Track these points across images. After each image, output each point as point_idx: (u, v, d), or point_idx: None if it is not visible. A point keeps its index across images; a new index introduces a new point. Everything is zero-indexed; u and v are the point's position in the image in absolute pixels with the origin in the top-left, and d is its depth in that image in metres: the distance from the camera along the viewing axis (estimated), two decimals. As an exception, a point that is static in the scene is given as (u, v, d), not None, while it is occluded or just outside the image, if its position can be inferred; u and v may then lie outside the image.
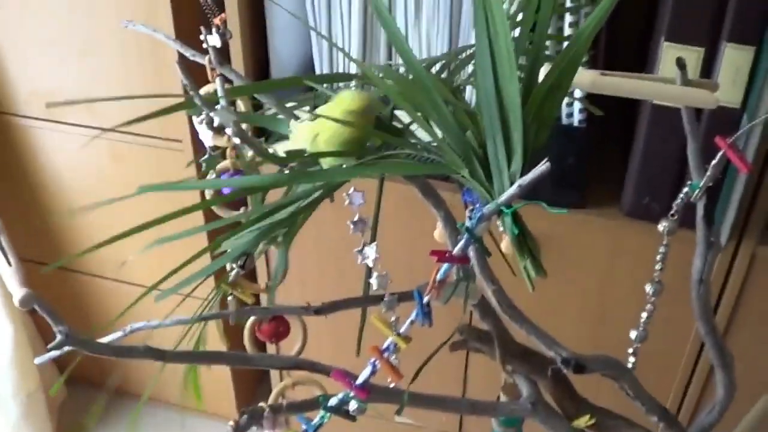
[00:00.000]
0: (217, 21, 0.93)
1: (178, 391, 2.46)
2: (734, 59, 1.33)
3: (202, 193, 1.61)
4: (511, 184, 0.70)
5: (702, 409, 1.04)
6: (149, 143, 1.87)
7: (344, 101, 0.77)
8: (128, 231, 0.72)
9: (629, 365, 0.92)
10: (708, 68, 1.36)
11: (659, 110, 1.42)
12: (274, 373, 2.22)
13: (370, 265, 0.81)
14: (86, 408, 2.53)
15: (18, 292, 0.74)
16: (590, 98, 1.50)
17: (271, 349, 1.95)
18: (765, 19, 1.30)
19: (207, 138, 0.89)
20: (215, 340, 2.18)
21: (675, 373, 1.82)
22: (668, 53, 1.35)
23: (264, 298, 1.09)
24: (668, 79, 0.75)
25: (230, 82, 0.96)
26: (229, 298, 0.93)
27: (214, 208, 0.98)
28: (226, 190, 1.03)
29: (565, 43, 0.93)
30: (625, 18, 1.71)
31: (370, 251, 0.80)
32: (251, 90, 0.91)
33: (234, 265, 0.92)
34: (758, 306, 1.66)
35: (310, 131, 0.79)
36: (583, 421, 1.00)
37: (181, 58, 0.89)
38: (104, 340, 0.89)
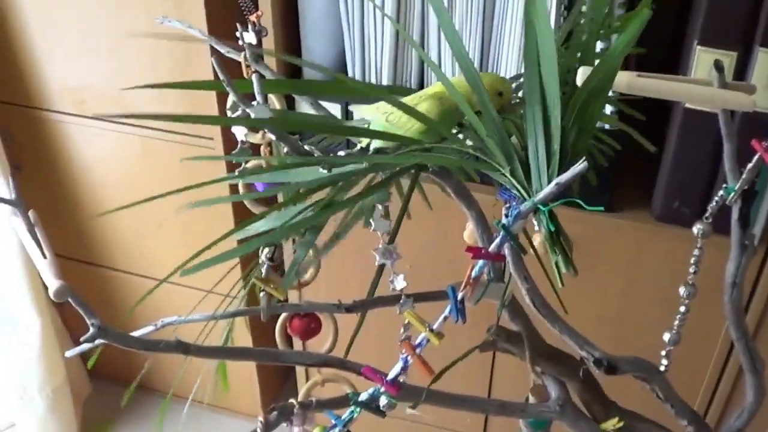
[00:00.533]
0: (253, 18, 0.93)
1: (203, 387, 2.47)
2: (767, 64, 1.33)
3: (232, 189, 1.62)
4: (549, 183, 0.70)
5: (729, 413, 1.04)
6: (180, 140, 1.88)
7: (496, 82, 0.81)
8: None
9: (661, 368, 0.92)
10: (741, 72, 1.36)
11: (691, 114, 1.42)
12: (299, 372, 2.22)
13: (398, 290, 0.82)
14: (111, 403, 2.54)
15: (53, 283, 0.74)
16: (621, 102, 1.51)
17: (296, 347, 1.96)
18: (799, 24, 1.30)
19: (240, 133, 0.89)
20: (241, 336, 2.20)
21: (703, 376, 1.81)
22: (701, 57, 1.35)
23: (293, 296, 1.09)
24: (704, 80, 0.75)
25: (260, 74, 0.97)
26: (261, 293, 0.93)
27: (246, 203, 0.99)
28: (259, 187, 1.04)
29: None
30: (657, 21, 1.71)
31: (399, 282, 0.81)
32: (288, 87, 0.91)
33: (263, 258, 0.92)
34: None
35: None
36: (611, 424, 1.00)
37: (216, 54, 0.89)
38: (135, 334, 0.90)
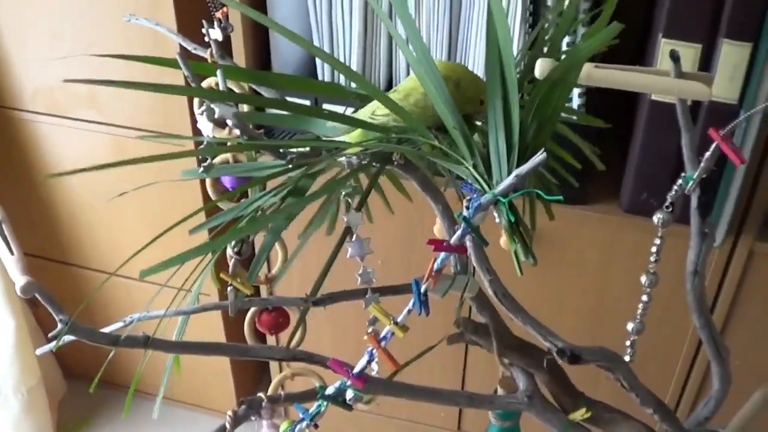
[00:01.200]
0: (218, 15, 0.94)
1: (180, 385, 2.47)
2: (731, 55, 1.34)
3: (205, 192, 1.62)
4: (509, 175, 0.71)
5: (701, 402, 1.05)
6: (154, 139, 1.88)
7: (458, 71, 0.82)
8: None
9: (627, 357, 0.93)
10: (706, 64, 1.37)
11: (657, 106, 1.43)
12: (274, 367, 2.22)
13: (369, 285, 0.83)
14: (86, 403, 2.54)
15: (20, 280, 0.75)
16: (589, 94, 1.52)
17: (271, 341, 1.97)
18: (762, 15, 1.30)
19: (207, 129, 0.90)
20: (214, 331, 2.19)
21: (674, 367, 1.82)
22: (666, 49, 1.36)
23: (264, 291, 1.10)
24: (663, 71, 0.76)
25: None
26: (229, 288, 0.94)
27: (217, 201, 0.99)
28: (227, 185, 1.04)
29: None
30: (625, 14, 1.71)
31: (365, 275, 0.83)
32: (250, 78, 0.91)
33: (230, 253, 0.92)
34: (756, 301, 1.67)
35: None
36: (579, 414, 1.00)
37: (183, 51, 0.89)
38: (105, 330, 0.90)
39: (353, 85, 1.60)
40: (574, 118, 1.34)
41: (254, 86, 0.95)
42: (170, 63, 0.81)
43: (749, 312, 1.68)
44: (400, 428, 2.20)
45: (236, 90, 1.07)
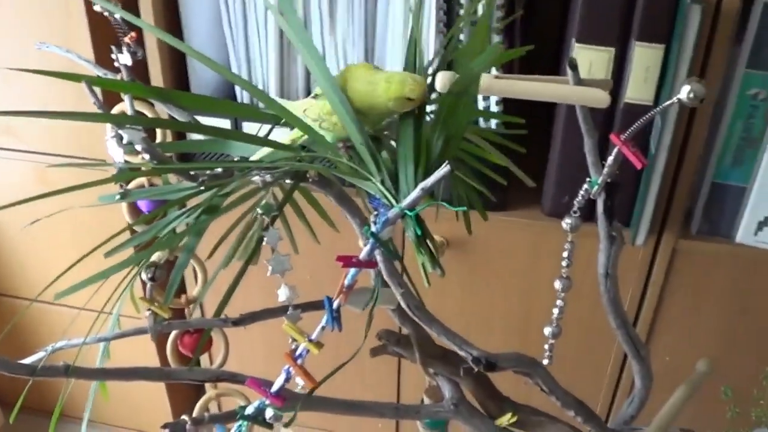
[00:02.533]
0: (127, 39, 0.94)
1: (115, 408, 2.46)
2: (644, 58, 1.36)
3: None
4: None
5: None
6: (75, 167, 1.86)
7: (406, 85, 0.80)
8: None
9: (545, 361, 0.94)
10: (620, 68, 1.39)
11: (574, 110, 1.44)
12: (209, 387, 2.21)
13: (285, 301, 0.83)
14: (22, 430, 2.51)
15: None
16: (507, 101, 1.53)
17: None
18: (672, 17, 1.32)
19: (117, 154, 0.90)
20: (150, 354, 2.17)
21: (605, 368, 1.84)
22: (580, 54, 1.38)
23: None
24: (563, 79, 0.77)
25: (148, 102, 0.97)
26: (147, 313, 0.94)
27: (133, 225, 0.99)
28: (143, 209, 1.04)
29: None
30: (543, 21, 1.73)
31: (283, 292, 0.83)
32: (158, 96, 0.91)
33: (145, 278, 0.92)
34: (681, 298, 1.69)
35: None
36: (506, 419, 1.01)
37: (90, 78, 0.89)
38: (27, 360, 0.89)
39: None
40: (494, 122, 1.36)
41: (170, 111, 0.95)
42: (77, 78, 0.80)
43: (676, 308, 1.70)
44: (339, 442, 2.20)
45: (149, 115, 1.07)
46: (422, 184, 0.69)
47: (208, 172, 0.78)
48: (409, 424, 2.13)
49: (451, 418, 1.02)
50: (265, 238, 0.83)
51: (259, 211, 0.85)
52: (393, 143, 0.86)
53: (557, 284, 0.91)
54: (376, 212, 0.74)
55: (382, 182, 0.76)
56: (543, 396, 0.94)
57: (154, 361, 2.17)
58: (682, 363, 1.76)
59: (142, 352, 2.15)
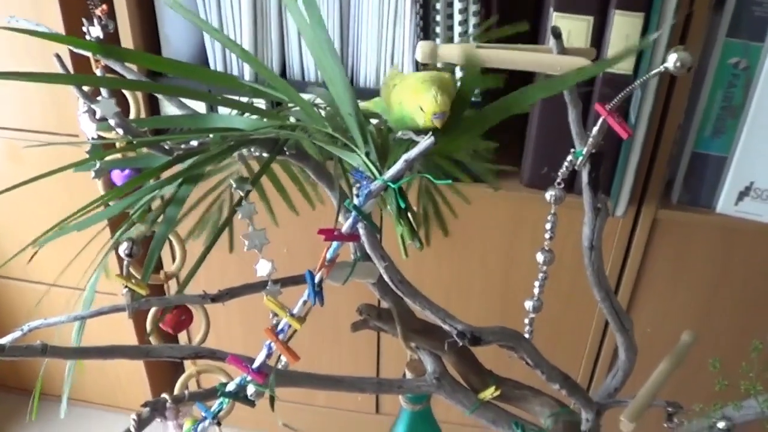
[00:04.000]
0: (98, 12, 0.92)
1: (94, 386, 2.44)
2: (624, 27, 1.35)
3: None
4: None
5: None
6: (47, 140, 1.84)
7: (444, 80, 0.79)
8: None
9: (526, 335, 0.93)
10: (599, 37, 1.37)
11: (553, 80, 1.44)
12: (188, 364, 2.20)
13: (265, 277, 0.82)
14: (3, 411, 2.49)
15: None
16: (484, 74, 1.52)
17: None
18: (653, -15, 1.31)
19: (90, 129, 0.88)
20: (124, 331, 2.16)
21: (586, 340, 1.84)
22: (558, 23, 1.36)
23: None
24: (545, 48, 0.76)
25: (117, 73, 0.95)
26: (125, 290, 0.92)
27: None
28: (118, 181, 1.02)
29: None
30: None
31: (262, 267, 0.82)
32: (137, 60, 0.90)
33: (122, 254, 0.90)
34: (662, 269, 1.69)
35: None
36: (489, 392, 1.01)
37: (71, 51, 0.88)
38: (3, 340, 0.88)
39: (246, 76, 1.59)
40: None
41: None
42: (53, 37, 0.78)
43: (657, 279, 1.70)
44: (317, 415, 2.19)
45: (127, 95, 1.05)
46: (405, 156, 0.68)
47: (183, 145, 0.77)
48: (390, 395, 2.12)
49: (434, 392, 1.01)
50: (238, 213, 0.82)
51: (233, 184, 0.84)
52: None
53: (539, 257, 0.90)
54: (357, 185, 0.73)
55: (367, 155, 0.75)
56: (524, 368, 0.93)
57: (131, 338, 2.15)
58: (663, 334, 1.76)
59: (120, 328, 2.13)
